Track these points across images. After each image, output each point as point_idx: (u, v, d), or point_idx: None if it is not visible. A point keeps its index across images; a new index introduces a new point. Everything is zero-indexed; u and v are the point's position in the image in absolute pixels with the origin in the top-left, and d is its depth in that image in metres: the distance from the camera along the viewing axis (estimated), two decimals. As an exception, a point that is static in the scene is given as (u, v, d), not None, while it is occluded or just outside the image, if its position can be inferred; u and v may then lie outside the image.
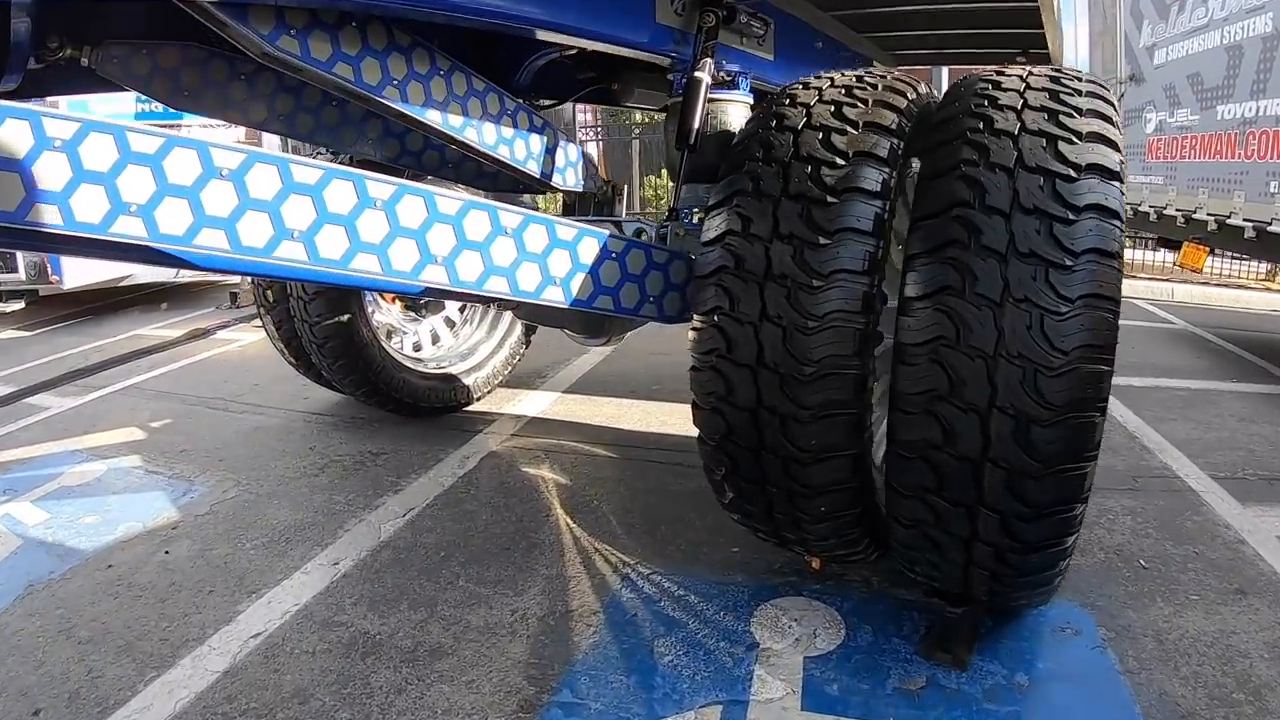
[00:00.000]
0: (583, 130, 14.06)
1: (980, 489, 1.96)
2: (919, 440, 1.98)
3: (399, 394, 4.39)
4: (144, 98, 2.88)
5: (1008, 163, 1.92)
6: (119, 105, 8.16)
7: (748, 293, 2.00)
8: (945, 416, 1.92)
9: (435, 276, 1.95)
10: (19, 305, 8.37)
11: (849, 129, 2.07)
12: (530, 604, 2.69)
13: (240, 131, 7.82)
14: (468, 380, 4.71)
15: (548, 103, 3.80)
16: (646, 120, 14.23)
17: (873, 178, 2.01)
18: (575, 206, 3.75)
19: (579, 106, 14.66)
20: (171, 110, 2.93)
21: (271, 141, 7.31)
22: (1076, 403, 1.84)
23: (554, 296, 2.16)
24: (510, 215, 2.05)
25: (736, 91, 2.88)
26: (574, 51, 3.24)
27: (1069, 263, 1.82)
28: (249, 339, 7.19)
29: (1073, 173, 1.88)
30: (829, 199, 1.96)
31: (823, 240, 1.94)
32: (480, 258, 2.00)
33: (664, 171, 13.21)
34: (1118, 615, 2.56)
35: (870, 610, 2.61)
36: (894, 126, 2.11)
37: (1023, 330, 1.83)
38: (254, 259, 1.74)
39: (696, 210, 2.90)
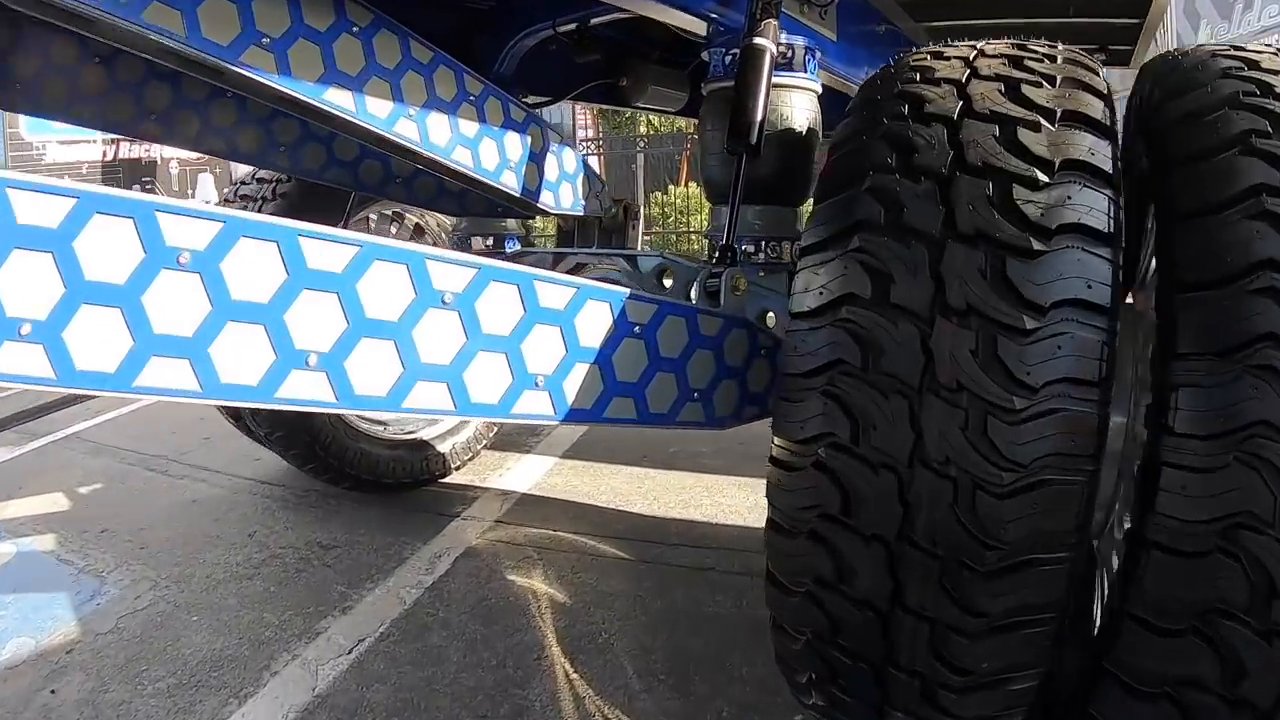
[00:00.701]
0: (583, 145, 13.18)
1: None
2: (1175, 675, 1.14)
3: (354, 469, 3.52)
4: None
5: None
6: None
7: (888, 413, 1.10)
8: (1230, 643, 1.08)
9: (307, 389, 1.07)
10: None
11: (1042, 120, 1.19)
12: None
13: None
14: (442, 447, 3.82)
15: (538, 100, 2.94)
16: (651, 131, 13.37)
17: (1099, 207, 1.13)
18: (574, 234, 2.88)
19: (578, 120, 13.83)
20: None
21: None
22: None
23: (534, 409, 1.27)
24: (451, 271, 1.16)
25: (803, 74, 2.02)
26: (572, 27, 2.38)
27: None
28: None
29: None
30: (1034, 243, 1.08)
31: (1029, 321, 1.05)
32: (394, 351, 1.12)
33: (670, 187, 12.33)
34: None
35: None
36: (1105, 120, 1.24)
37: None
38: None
39: (747, 245, 2.02)
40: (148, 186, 13.17)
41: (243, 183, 3.47)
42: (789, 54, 1.96)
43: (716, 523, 3.40)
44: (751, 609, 2.70)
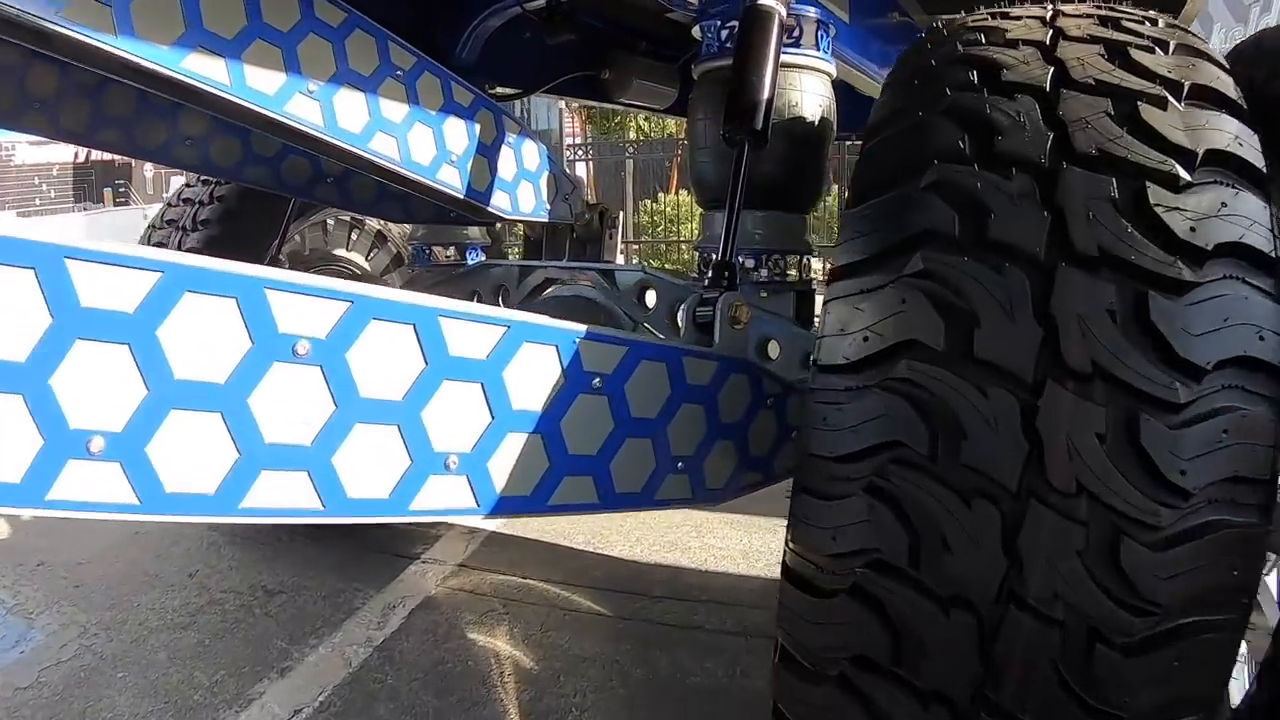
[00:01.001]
0: (570, 150, 12.80)
1: None
2: None
3: (302, 504, 3.14)
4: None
5: None
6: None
7: (969, 526, 0.74)
8: None
9: (93, 487, 0.71)
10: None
11: (1168, 96, 0.84)
12: None
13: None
14: (404, 478, 3.44)
15: (509, 92, 2.59)
16: (641, 136, 13.02)
17: (1261, 219, 0.78)
18: (543, 244, 2.52)
19: (566, 126, 13.48)
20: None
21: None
22: None
23: (444, 501, 0.90)
24: (306, 308, 0.79)
25: (815, 53, 1.66)
26: (541, 4, 2.03)
27: None
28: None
29: None
30: (1184, 271, 0.73)
31: (1184, 391, 0.70)
32: (223, 428, 0.74)
33: (660, 195, 11.98)
34: None
35: None
36: (1241, 101, 0.89)
37: None
38: None
39: (746, 259, 1.67)
40: (121, 189, 12.72)
41: (188, 185, 3.12)
42: (797, 28, 1.62)
43: (706, 569, 3.04)
44: (745, 678, 2.34)
